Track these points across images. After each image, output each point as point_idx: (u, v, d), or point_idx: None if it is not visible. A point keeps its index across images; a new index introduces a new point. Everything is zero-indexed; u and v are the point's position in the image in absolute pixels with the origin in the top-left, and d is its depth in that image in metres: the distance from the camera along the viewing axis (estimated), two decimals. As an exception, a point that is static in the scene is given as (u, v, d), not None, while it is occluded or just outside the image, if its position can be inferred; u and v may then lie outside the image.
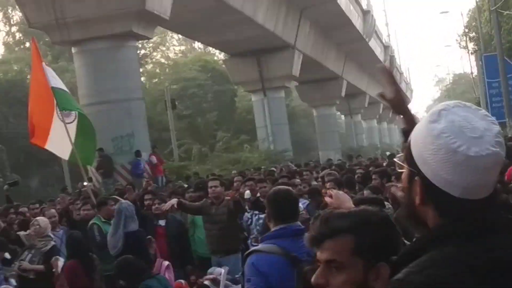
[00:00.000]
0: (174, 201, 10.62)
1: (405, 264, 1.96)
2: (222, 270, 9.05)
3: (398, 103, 3.11)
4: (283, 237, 5.04)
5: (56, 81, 13.36)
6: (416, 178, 2.02)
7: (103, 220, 10.95)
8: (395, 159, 2.29)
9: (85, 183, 20.91)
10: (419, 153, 2.00)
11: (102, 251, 10.01)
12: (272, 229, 5.21)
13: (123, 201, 10.21)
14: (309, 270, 2.45)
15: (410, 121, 3.30)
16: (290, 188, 6.08)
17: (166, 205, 10.68)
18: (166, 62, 61.00)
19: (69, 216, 13.06)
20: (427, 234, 2.01)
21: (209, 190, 10.65)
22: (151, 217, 11.47)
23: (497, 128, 1.99)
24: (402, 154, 2.18)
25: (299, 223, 5.25)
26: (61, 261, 9.77)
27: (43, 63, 13.45)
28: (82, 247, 9.39)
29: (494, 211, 1.99)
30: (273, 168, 25.60)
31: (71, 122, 13.39)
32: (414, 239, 2.11)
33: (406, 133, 3.64)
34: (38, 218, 11.02)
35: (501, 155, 1.95)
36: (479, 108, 2.05)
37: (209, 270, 9.29)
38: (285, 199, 5.26)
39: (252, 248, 5.60)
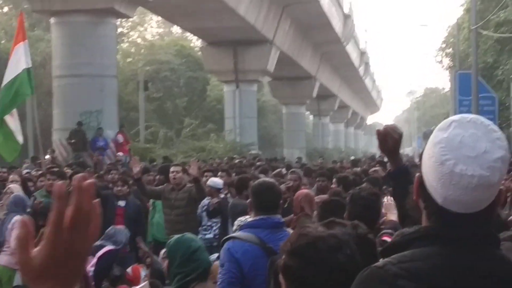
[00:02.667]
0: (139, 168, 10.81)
1: (388, 255, 2.06)
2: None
3: (393, 148, 3.32)
4: (262, 228, 5.16)
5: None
6: (417, 174, 2.13)
7: (44, 193, 11.06)
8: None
9: (46, 156, 20.83)
10: (424, 153, 2.11)
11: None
12: (252, 219, 5.34)
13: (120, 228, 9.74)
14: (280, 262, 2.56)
15: (398, 164, 3.46)
16: (274, 180, 6.21)
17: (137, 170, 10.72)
18: (142, 43, 60.62)
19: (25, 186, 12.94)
20: (413, 231, 2.09)
21: (170, 175, 10.75)
22: (112, 197, 11.40)
23: (501, 154, 1.99)
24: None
25: (279, 216, 5.35)
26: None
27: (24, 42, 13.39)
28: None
29: (478, 227, 2.02)
30: (236, 157, 25.77)
31: None
32: (401, 234, 2.19)
33: (392, 174, 3.78)
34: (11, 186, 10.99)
35: (489, 179, 1.96)
36: (496, 129, 2.06)
37: (161, 252, 9.43)
38: (269, 191, 5.35)
39: (230, 235, 5.70)
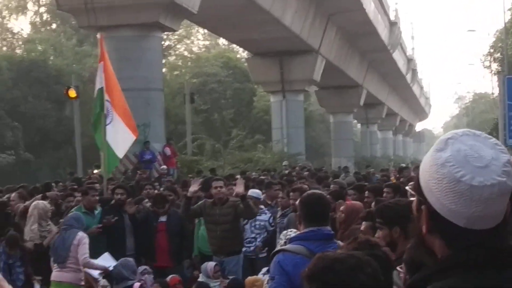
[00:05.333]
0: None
1: None
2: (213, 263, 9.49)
3: None
4: (312, 240, 5.12)
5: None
6: (423, 207, 1.99)
7: (83, 210, 11.01)
8: (407, 187, 2.31)
9: (95, 171, 21.02)
10: (425, 182, 1.98)
11: None
12: (302, 231, 5.28)
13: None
14: None
15: None
16: (323, 193, 6.21)
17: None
18: (189, 56, 61.04)
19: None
20: (432, 265, 1.99)
21: (214, 190, 10.47)
22: (152, 216, 11.37)
23: (506, 157, 1.94)
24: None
25: (329, 228, 5.33)
26: None
27: (103, 63, 13.58)
28: None
29: (501, 241, 1.95)
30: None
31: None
32: (421, 270, 2.07)
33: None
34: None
35: (507, 185, 1.90)
36: (489, 137, 2.01)
37: (202, 266, 9.49)
38: (318, 203, 5.34)
39: (280, 247, 5.66)
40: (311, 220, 5.23)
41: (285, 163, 30.54)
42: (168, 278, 8.80)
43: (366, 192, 10.48)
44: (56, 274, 9.59)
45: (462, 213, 1.90)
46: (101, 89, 13.26)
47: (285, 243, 6.01)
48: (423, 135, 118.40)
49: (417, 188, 2.03)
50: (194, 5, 22.77)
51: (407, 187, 2.13)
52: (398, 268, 4.36)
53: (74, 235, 9.54)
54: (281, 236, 6.59)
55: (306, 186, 11.69)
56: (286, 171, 24.62)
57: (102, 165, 13.60)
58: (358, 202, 8.65)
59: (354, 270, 2.39)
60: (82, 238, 9.53)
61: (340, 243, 5.33)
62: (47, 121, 37.52)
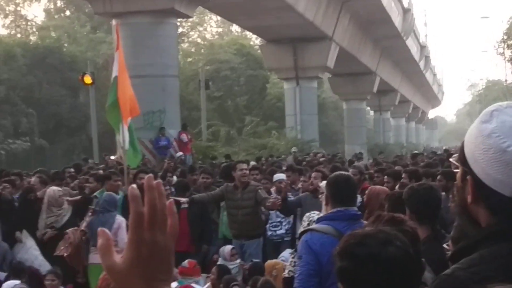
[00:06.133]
0: (184, 200, 10.72)
1: (456, 262, 1.99)
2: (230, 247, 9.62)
3: None
4: (339, 220, 5.20)
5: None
6: (468, 177, 2.03)
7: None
8: (450, 159, 2.33)
9: (111, 157, 21.13)
10: (471, 152, 2.02)
11: None
12: (329, 211, 5.37)
13: None
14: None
15: None
16: (350, 174, 6.38)
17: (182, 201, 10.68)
18: (202, 43, 61.04)
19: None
20: (478, 232, 2.02)
21: (239, 172, 10.45)
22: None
23: None
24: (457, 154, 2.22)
25: (356, 208, 5.44)
26: None
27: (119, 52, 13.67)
28: None
29: None
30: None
31: None
32: (466, 238, 2.12)
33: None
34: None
35: None
36: None
37: (220, 250, 9.61)
38: (345, 184, 5.44)
39: (307, 227, 5.73)
40: (339, 200, 5.32)
41: (294, 149, 30.54)
42: (185, 263, 8.91)
43: (385, 177, 10.59)
44: (95, 257, 9.64)
45: (508, 182, 1.93)
46: (116, 78, 13.30)
47: (308, 225, 6.08)
48: (435, 122, 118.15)
49: (462, 159, 2.07)
50: (209, -9, 22.81)
51: (451, 159, 2.12)
52: (445, 245, 4.41)
53: (113, 218, 9.66)
54: (304, 218, 6.65)
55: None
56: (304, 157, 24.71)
57: (122, 155, 13.61)
58: (382, 187, 8.71)
59: (384, 243, 2.44)
60: (122, 222, 9.65)
61: (365, 222, 5.37)
62: (61, 108, 37.63)
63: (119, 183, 11.82)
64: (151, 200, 1.38)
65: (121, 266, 1.39)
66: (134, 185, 1.41)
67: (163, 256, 1.40)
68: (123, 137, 12.50)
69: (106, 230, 1.42)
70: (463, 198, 2.09)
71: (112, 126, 13.47)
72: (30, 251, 10.71)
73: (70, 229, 10.53)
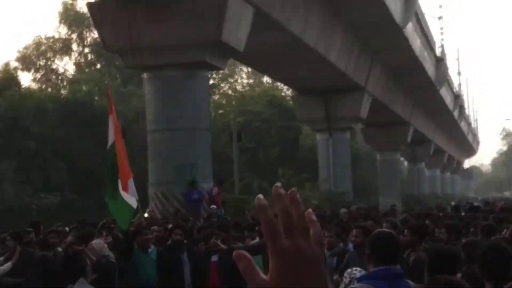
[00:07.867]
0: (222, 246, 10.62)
1: None
2: None
3: None
4: (381, 279, 5.08)
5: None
6: None
7: (136, 248, 11.21)
8: None
9: (146, 215, 20.89)
10: None
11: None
12: (371, 270, 5.25)
13: None
14: None
15: None
16: (392, 231, 6.24)
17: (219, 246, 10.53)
18: (233, 94, 61.14)
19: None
20: None
21: None
22: (203, 254, 11.31)
23: None
24: None
25: (398, 266, 5.30)
26: None
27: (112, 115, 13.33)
28: None
29: None
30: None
31: None
32: None
33: None
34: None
35: None
36: None
37: None
38: (388, 241, 5.32)
39: (350, 287, 5.75)
40: (380, 259, 5.19)
41: (343, 210, 29.65)
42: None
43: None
44: None
45: None
46: (113, 145, 12.92)
47: (350, 282, 6.03)
48: (471, 172, 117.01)
49: None
50: (240, 43, 22.53)
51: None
52: None
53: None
54: (346, 274, 6.57)
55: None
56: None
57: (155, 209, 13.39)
58: None
59: None
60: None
61: (411, 283, 5.38)
62: (91, 161, 37.55)
63: (150, 236, 11.80)
64: (283, 207, 1.33)
65: (271, 282, 1.32)
66: (261, 195, 1.35)
67: (312, 264, 1.32)
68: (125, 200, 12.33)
69: (244, 252, 1.33)
70: None
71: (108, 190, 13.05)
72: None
73: None
